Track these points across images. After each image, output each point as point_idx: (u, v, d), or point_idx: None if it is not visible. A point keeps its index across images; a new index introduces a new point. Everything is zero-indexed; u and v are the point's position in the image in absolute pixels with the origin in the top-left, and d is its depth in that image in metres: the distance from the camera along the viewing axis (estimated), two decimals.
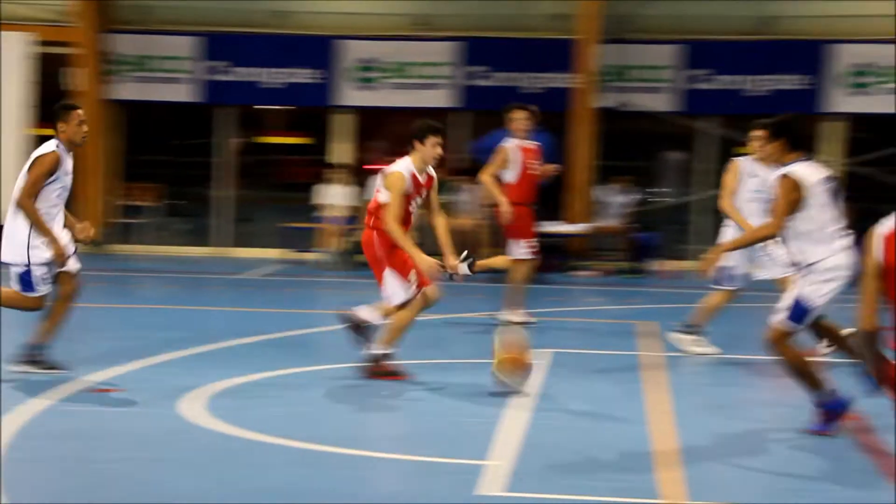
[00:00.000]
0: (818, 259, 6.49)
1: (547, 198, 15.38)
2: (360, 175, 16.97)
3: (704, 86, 16.81)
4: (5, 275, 7.87)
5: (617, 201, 16.63)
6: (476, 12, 17.15)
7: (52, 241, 7.61)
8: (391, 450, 6.18)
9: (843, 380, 7.06)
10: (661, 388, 8.06)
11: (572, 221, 16.40)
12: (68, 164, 7.82)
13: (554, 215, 16.18)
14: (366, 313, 8.17)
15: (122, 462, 5.78)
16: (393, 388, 7.85)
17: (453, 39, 17.17)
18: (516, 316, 10.72)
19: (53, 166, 7.66)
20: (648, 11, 16.64)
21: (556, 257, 16.05)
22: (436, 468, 5.86)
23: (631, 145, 18.44)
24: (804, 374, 6.65)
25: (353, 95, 17.44)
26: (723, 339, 10.04)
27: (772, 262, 9.09)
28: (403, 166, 8.07)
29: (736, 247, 7.76)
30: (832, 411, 6.62)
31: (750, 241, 7.36)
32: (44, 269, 7.68)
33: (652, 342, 10.09)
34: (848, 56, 16.48)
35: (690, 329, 9.48)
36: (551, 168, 11.41)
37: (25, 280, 7.67)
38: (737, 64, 16.71)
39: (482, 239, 16.10)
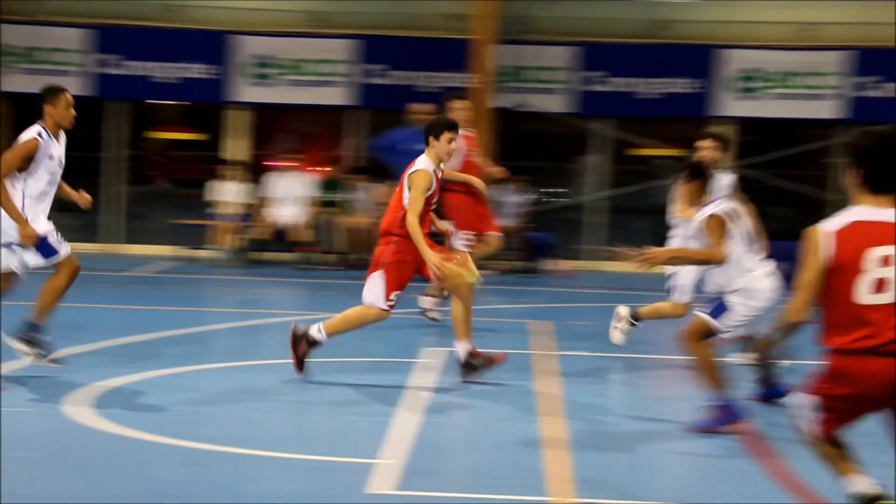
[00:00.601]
0: (743, 286, 6.89)
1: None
2: (254, 172, 16.80)
3: (599, 87, 17.03)
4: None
5: (512, 201, 16.75)
6: (373, 10, 17.11)
7: (21, 223, 7.49)
8: (282, 449, 6.13)
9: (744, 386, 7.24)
10: (553, 387, 8.13)
11: None
12: (54, 149, 7.71)
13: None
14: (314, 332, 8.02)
15: (4, 463, 5.62)
16: (284, 386, 7.78)
17: (350, 37, 17.11)
18: (430, 306, 10.70)
19: (32, 153, 7.56)
20: (544, 13, 16.79)
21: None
22: (327, 467, 5.83)
23: (527, 145, 18.60)
24: (709, 372, 6.85)
25: (249, 92, 17.25)
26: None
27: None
28: (426, 164, 8.04)
29: (680, 255, 7.76)
30: (726, 412, 6.80)
31: (695, 259, 7.42)
32: (53, 235, 7.62)
33: (545, 341, 10.19)
34: (737, 61, 16.87)
35: (633, 314, 9.29)
36: (498, 170, 11.26)
37: (45, 248, 7.57)
38: (630, 66, 16.97)
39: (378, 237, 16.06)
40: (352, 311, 7.99)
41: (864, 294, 4.46)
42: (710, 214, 6.89)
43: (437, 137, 8.10)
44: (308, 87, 17.21)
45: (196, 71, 17.10)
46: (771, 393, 7.54)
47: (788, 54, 16.77)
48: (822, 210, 15.18)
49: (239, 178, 16.50)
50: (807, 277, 4.57)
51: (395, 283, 7.85)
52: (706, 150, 8.86)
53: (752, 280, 6.92)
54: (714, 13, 16.79)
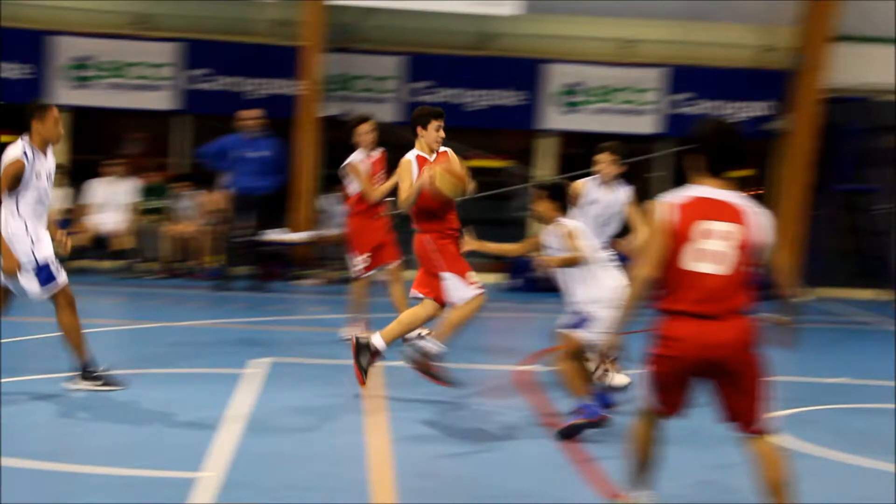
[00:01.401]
0: (599, 296, 7.11)
1: (271, 206, 15.30)
2: (74, 177, 16.24)
3: (426, 98, 17.14)
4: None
5: (341, 210, 16.69)
6: (198, 14, 16.76)
7: (6, 255, 7.48)
8: (100, 463, 5.94)
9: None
10: (378, 398, 8.14)
11: (296, 230, 16.34)
12: (42, 165, 7.59)
13: (277, 223, 16.09)
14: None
15: None
16: (104, 398, 7.56)
17: (174, 40, 16.74)
18: (357, 330, 10.57)
19: (19, 173, 7.46)
20: (372, 22, 16.81)
21: (278, 266, 15.95)
22: (145, 482, 5.69)
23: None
24: (576, 383, 7.15)
25: (68, 94, 16.66)
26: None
27: None
28: (412, 154, 8.15)
29: (561, 261, 7.85)
30: (588, 411, 7.06)
31: (566, 262, 7.49)
32: (53, 261, 7.67)
33: None
34: (561, 75, 17.25)
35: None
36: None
37: (44, 275, 7.63)
38: (457, 78, 17.15)
39: (204, 246, 15.80)
40: (452, 315, 7.94)
41: (699, 264, 4.85)
42: (570, 229, 7.25)
43: (424, 127, 8.21)
44: (130, 91, 16.75)
45: (10, 71, 16.41)
46: (603, 400, 7.66)
47: (610, 70, 17.25)
48: None
49: (57, 184, 15.91)
50: (652, 243, 4.96)
51: (462, 268, 7.95)
52: (604, 164, 8.99)
53: (606, 288, 7.12)
54: (539, 28, 17.13)
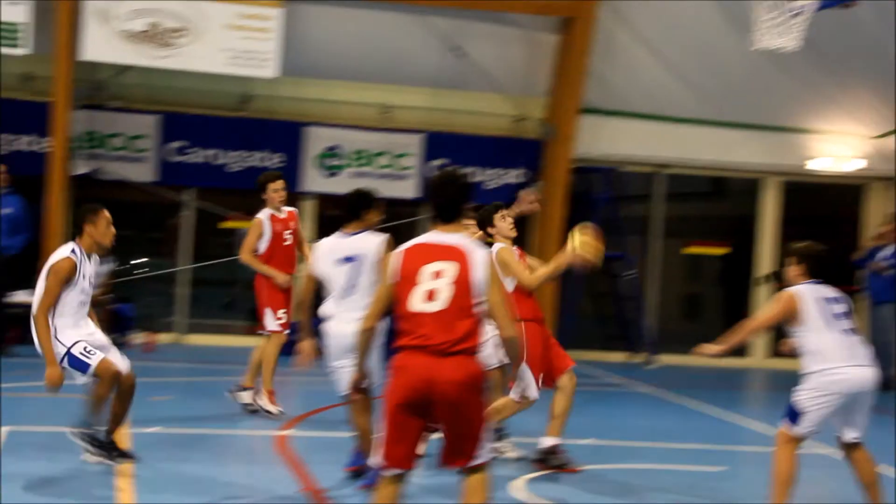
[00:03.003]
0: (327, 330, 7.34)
1: (16, 266, 14.56)
2: None
3: (181, 158, 16.82)
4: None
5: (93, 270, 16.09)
6: None
7: (50, 362, 7.38)
8: None
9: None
10: (127, 466, 7.83)
11: None
12: (87, 268, 7.55)
13: (24, 284, 15.34)
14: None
15: None
16: None
17: None
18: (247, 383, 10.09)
19: (69, 275, 7.39)
20: (125, 80, 16.37)
21: (23, 329, 15.18)
22: None
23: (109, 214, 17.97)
24: (365, 437, 7.24)
25: None
26: (199, 413, 10.07)
27: None
28: (500, 245, 8.37)
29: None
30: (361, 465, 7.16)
31: (301, 301, 7.81)
32: (80, 346, 7.52)
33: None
34: (320, 139, 17.27)
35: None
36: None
37: (74, 361, 7.47)
38: (215, 138, 16.89)
39: None
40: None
41: (418, 303, 5.16)
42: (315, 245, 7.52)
43: (491, 222, 8.28)
44: None
45: None
46: (356, 461, 7.57)
47: (368, 134, 17.39)
48: None
49: None
50: (378, 291, 5.39)
51: (539, 367, 8.31)
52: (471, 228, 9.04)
53: (332, 323, 7.30)
54: (299, 91, 17.09)
